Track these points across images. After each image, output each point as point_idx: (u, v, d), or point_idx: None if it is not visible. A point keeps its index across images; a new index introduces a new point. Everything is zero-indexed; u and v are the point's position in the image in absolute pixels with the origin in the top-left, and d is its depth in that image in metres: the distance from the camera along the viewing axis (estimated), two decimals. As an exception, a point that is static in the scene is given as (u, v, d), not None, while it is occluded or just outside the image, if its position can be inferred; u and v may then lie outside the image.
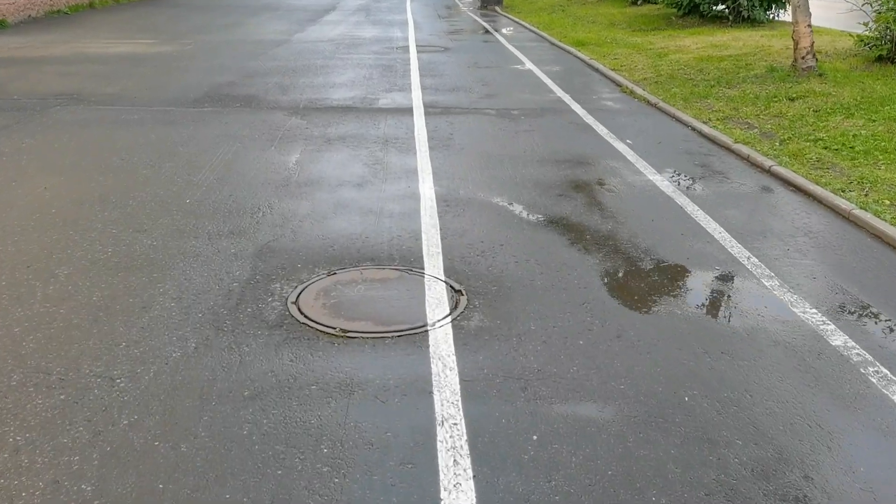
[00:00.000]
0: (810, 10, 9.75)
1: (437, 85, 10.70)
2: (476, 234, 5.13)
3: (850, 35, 11.65)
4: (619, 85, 10.82)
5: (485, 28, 18.94)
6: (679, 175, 6.57)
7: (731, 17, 16.29)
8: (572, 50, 14.27)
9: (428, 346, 3.61)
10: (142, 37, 15.75)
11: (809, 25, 9.68)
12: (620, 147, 7.45)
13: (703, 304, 4.16)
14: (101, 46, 14.12)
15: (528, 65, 12.69)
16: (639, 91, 10.13)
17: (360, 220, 5.36)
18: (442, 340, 3.67)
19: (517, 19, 20.61)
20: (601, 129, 8.18)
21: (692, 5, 17.75)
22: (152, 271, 4.44)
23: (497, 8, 24.51)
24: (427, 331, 3.77)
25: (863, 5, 10.67)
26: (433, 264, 4.58)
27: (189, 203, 5.68)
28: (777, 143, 7.32)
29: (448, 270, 4.50)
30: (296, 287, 4.25)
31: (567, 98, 9.90)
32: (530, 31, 18.20)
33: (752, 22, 16.35)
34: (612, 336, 3.74)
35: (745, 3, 15.82)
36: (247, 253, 4.74)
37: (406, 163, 6.83)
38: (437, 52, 14.10)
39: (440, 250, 4.80)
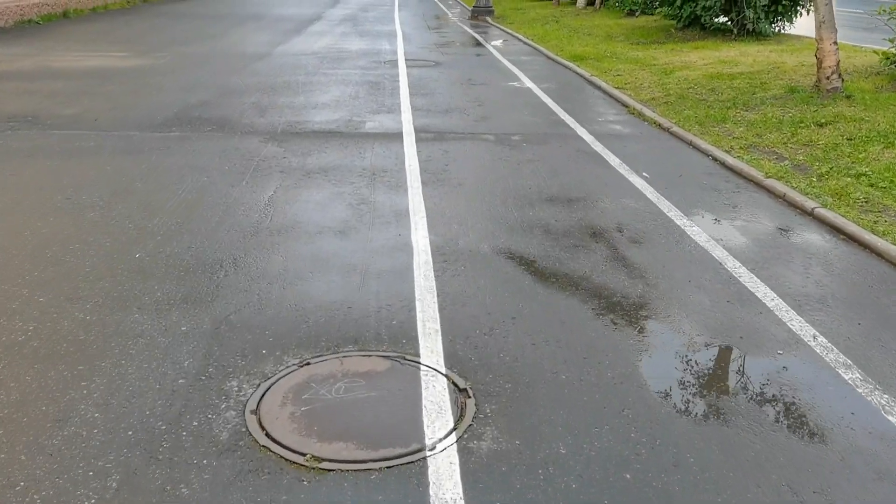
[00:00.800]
0: (836, 27, 8.97)
1: (428, 105, 9.84)
2: (481, 301, 4.26)
3: (876, 52, 10.88)
4: (625, 105, 10.00)
5: (476, 40, 18.13)
6: (710, 219, 5.72)
7: (735, 31, 15.54)
8: (571, 65, 13.47)
9: (427, 485, 2.74)
10: (115, 49, 14.82)
11: (835, 43, 8.89)
12: (637, 182, 6.61)
13: (773, 410, 3.29)
14: (70, 60, 13.19)
15: (526, 82, 11.86)
16: (648, 113, 9.31)
17: (341, 283, 4.47)
18: (445, 474, 2.79)
19: (510, 31, 19.83)
20: (612, 159, 7.34)
21: (693, 17, 17.00)
22: (78, 361, 3.53)
23: (488, 19, 23.75)
24: (425, 457, 2.89)
25: (888, 20, 9.90)
26: (431, 348, 3.70)
27: (139, 258, 4.78)
28: (814, 179, 6.50)
29: (450, 357, 3.62)
30: (258, 386, 3.36)
31: (571, 121, 9.06)
32: (524, 43, 17.41)
33: (756, 35, 15.61)
34: (668, 464, 2.88)
35: (751, 16, 15.07)
36: (201, 330, 3.85)
37: (396, 203, 5.96)
38: (427, 68, 13.26)
39: (438, 326, 3.93)
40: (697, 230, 5.45)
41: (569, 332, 3.91)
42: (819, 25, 9.00)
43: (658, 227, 5.53)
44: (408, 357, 3.62)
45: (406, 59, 14.17)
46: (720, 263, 4.86)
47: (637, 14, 19.53)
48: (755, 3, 15.07)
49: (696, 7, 16.68)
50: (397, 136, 8.11)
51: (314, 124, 8.64)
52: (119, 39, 16.50)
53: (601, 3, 23.96)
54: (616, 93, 10.70)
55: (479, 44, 17.45)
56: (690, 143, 7.98)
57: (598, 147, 7.83)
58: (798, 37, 15.98)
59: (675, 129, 8.50)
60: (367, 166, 6.96)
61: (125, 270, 4.58)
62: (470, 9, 28.05)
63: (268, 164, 6.99)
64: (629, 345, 3.81)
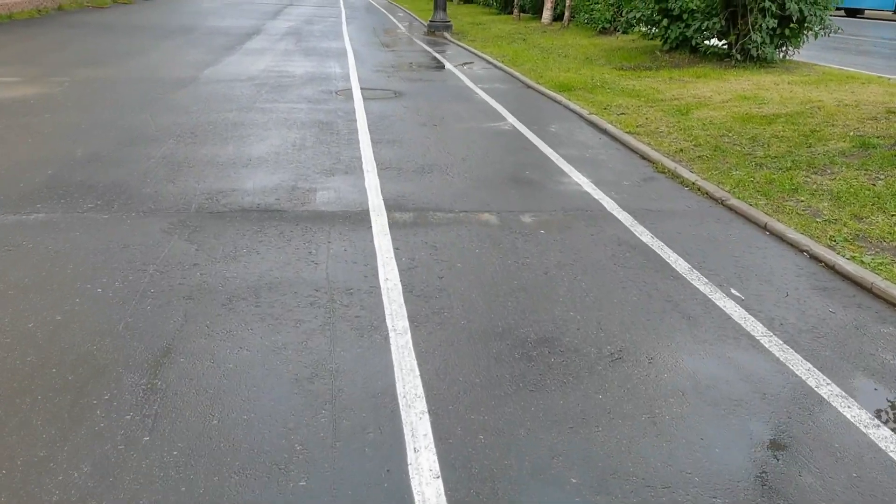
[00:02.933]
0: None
1: (399, 159, 7.49)
2: None
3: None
4: (649, 160, 7.82)
5: (439, 62, 15.86)
6: (891, 409, 3.50)
7: (738, 56, 13.59)
8: (559, 98, 11.27)
9: None
10: (1, 72, 12.08)
11: (930, 88, 6.86)
12: (731, 309, 4.38)
13: None
14: (-65, 87, 10.44)
15: (511, 121, 9.61)
16: (685, 174, 7.14)
17: None
18: None
19: (475, 50, 17.62)
20: (675, 260, 5.11)
21: (682, 39, 15.08)
22: None
23: (446, 34, 21.55)
24: None
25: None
26: None
27: None
28: None
29: None
30: None
31: (590, 186, 6.83)
32: (494, 66, 15.20)
33: (760, 62, 13.72)
34: None
35: (758, 40, 13.13)
36: None
37: (374, 375, 3.58)
38: (388, 100, 10.90)
39: None
40: (886, 434, 3.22)
41: None
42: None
43: (823, 432, 3.28)
44: None
45: (361, 88, 11.80)
46: None
47: (618, 34, 17.46)
48: (762, 25, 13.16)
49: (686, 29, 14.77)
50: (362, 218, 5.74)
51: (244, 195, 6.20)
52: (11, 58, 13.70)
53: (569, 20, 21.98)
54: (630, 140, 8.51)
55: (441, 66, 15.18)
56: (765, 227, 5.82)
57: (643, 234, 5.60)
58: (806, 64, 14.16)
59: (734, 201, 6.34)
60: (322, 282, 4.58)
61: None
62: (423, 22, 25.83)
63: (169, 279, 4.55)
64: None
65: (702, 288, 4.69)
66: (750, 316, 4.31)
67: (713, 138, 8.42)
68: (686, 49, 15.33)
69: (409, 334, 3.95)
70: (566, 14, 21.91)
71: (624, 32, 17.15)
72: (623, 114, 9.97)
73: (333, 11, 31.45)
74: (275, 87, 11.54)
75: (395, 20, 28.17)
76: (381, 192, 6.42)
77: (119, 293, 4.32)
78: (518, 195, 6.51)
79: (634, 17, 15.98)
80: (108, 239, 5.14)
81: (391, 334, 3.95)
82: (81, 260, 4.77)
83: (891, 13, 31.23)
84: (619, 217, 6.02)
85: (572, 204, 6.33)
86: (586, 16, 21.50)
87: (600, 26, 19.95)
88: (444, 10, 22.18)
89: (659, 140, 8.48)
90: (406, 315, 4.17)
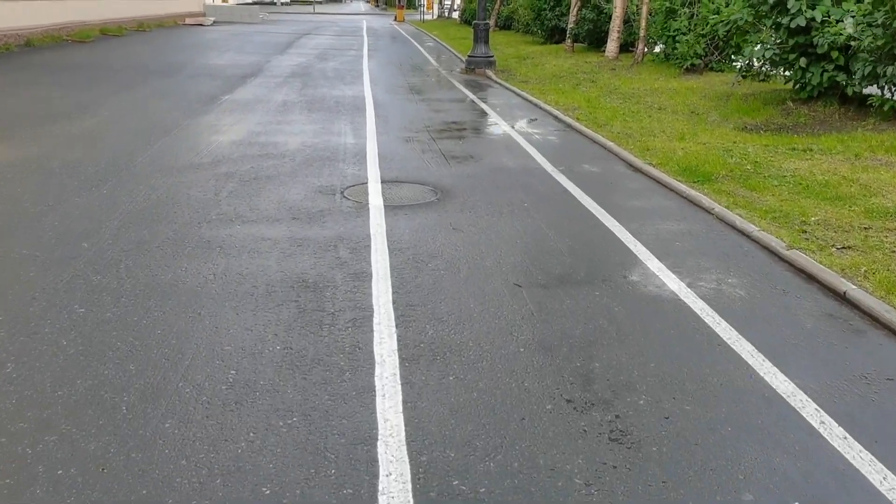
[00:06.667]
0: None
1: (464, 447, 3.14)
2: None
3: None
4: None
5: (489, 118, 11.57)
6: None
7: (945, 118, 9.10)
8: (701, 199, 6.94)
9: None
10: None
11: None
12: None
13: None
14: None
15: (655, 268, 5.28)
16: None
17: None
18: None
19: (531, 97, 13.34)
20: None
21: (831, 83, 10.68)
22: None
23: (489, 72, 17.33)
24: None
25: None
26: None
27: None
28: None
29: None
30: None
31: None
32: (568, 126, 10.88)
33: (970, 124, 9.22)
34: None
35: None
36: None
37: None
38: (426, 209, 6.59)
39: None
40: None
41: None
42: None
43: None
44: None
45: (383, 180, 7.51)
46: None
47: (741, 79, 12.88)
48: None
49: (837, 73, 10.40)
50: None
51: None
52: None
53: (643, 54, 17.56)
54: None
55: (495, 126, 10.89)
56: None
57: None
58: None
59: None
60: None
61: None
62: (456, 53, 21.74)
63: None
64: None
65: None
66: None
67: None
68: (833, 99, 10.94)
69: None
70: (640, 46, 17.49)
71: (743, 76, 12.69)
72: (846, 247, 5.56)
73: (354, 42, 27.45)
74: (246, 183, 7.27)
75: (424, 52, 24.07)
76: None
77: None
78: None
79: (762, 54, 11.55)
80: None
81: None
82: None
83: None
84: None
85: None
86: (667, 48, 17.13)
87: (689, 62, 15.57)
88: (487, 42, 17.97)
89: None
90: None
